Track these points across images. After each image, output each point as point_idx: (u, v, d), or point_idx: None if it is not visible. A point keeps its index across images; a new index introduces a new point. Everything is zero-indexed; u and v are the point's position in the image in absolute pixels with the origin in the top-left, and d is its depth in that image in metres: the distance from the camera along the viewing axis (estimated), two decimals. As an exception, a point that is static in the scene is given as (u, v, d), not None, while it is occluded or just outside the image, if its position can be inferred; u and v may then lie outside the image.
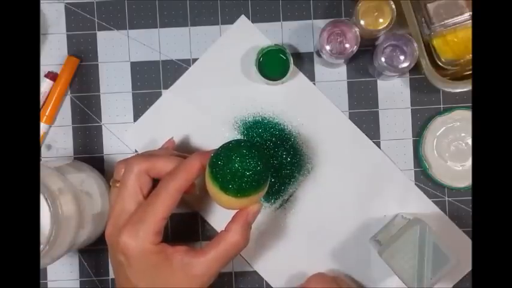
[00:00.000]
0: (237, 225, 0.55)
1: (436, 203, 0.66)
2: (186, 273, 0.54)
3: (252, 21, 0.67)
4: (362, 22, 0.61)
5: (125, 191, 0.57)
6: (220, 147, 0.54)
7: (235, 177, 0.52)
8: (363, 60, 0.67)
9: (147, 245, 0.54)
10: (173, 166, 0.57)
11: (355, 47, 0.61)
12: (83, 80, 0.67)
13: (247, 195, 0.53)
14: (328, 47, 0.61)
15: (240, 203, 0.54)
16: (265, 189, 0.55)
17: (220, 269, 0.55)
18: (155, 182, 0.58)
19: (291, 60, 0.63)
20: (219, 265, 0.55)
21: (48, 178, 0.54)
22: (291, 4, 0.67)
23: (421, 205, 0.66)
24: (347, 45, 0.61)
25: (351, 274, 0.66)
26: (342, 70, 0.67)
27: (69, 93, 0.67)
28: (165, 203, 0.54)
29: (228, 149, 0.53)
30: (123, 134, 0.67)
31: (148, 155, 0.59)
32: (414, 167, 0.67)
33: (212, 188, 0.54)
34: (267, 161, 0.53)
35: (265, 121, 0.66)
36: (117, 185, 0.58)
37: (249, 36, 0.67)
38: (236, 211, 0.56)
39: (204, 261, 0.54)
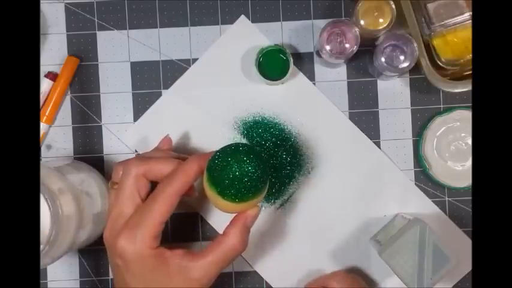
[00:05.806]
0: (235, 229, 0.54)
1: (436, 203, 0.66)
2: (184, 277, 0.54)
3: (252, 21, 0.67)
4: (362, 22, 0.61)
5: (122, 193, 0.57)
6: (218, 151, 0.53)
7: (233, 183, 0.51)
8: (363, 60, 0.67)
9: (145, 249, 0.54)
10: (171, 169, 0.56)
11: (355, 47, 0.61)
12: (83, 80, 0.67)
13: (246, 200, 0.53)
14: (328, 47, 0.61)
15: (238, 208, 0.54)
16: (264, 193, 0.54)
17: (218, 272, 0.55)
18: (154, 184, 0.57)
19: (291, 60, 0.63)
20: (218, 268, 0.54)
21: (48, 178, 0.54)
22: (291, 4, 0.67)
23: (421, 205, 0.66)
24: (347, 45, 0.61)
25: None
26: (342, 70, 0.67)
27: (69, 93, 0.67)
28: (162, 207, 0.54)
29: (226, 154, 0.52)
30: (123, 134, 0.67)
31: (146, 158, 0.58)
32: (414, 167, 0.67)
33: (210, 192, 0.53)
34: (265, 166, 0.53)
35: (265, 121, 0.66)
36: (115, 187, 0.58)
37: (249, 36, 0.67)
38: (235, 214, 0.56)
39: (202, 265, 0.54)
